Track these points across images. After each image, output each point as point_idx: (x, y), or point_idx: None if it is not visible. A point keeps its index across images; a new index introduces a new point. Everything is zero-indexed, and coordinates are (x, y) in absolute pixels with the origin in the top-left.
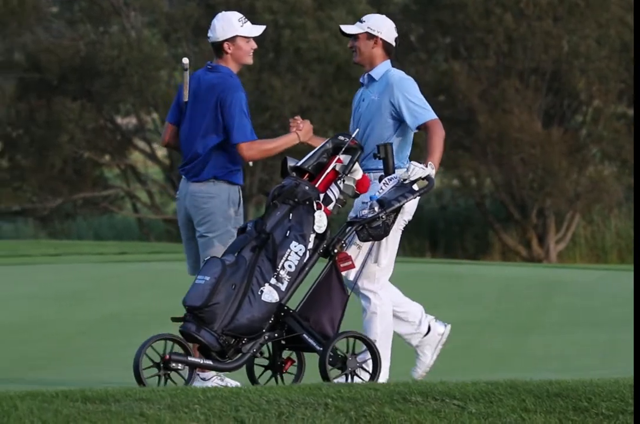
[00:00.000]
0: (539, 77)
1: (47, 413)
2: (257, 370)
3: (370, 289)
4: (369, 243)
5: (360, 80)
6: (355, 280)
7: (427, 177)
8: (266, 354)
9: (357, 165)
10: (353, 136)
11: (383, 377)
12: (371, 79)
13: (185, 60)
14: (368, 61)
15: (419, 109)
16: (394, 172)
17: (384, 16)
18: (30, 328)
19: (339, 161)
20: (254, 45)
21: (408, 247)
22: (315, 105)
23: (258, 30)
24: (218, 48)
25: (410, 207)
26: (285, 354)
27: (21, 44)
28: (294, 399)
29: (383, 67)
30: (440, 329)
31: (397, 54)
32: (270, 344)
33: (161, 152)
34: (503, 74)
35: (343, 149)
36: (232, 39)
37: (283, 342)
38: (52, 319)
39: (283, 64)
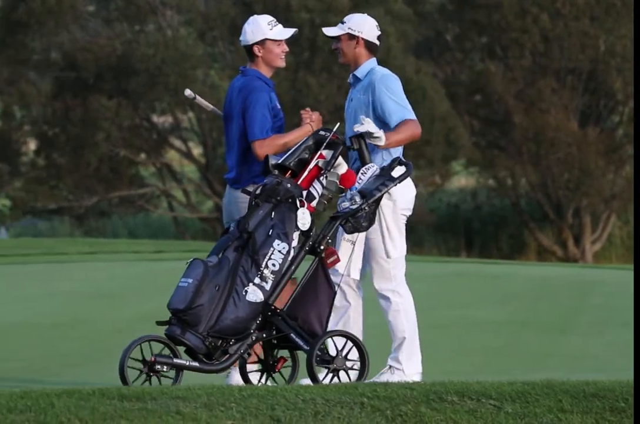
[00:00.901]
0: (575, 77)
1: (84, 410)
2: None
3: (388, 288)
4: (362, 237)
5: (348, 80)
6: (345, 273)
7: (404, 163)
8: (257, 359)
9: (340, 159)
10: (334, 130)
11: (416, 371)
12: (356, 79)
13: (187, 92)
14: (352, 61)
15: (398, 106)
16: (370, 163)
17: (364, 15)
18: (67, 325)
19: (321, 156)
20: (285, 48)
21: (444, 247)
22: None
23: (287, 33)
24: (249, 51)
25: (405, 201)
26: (280, 353)
27: (58, 42)
28: (330, 398)
29: (367, 66)
30: (419, 369)
31: (433, 53)
32: (261, 344)
33: (197, 151)
34: (539, 74)
35: (325, 144)
36: (261, 42)
37: (274, 341)
38: (88, 318)
39: (319, 63)
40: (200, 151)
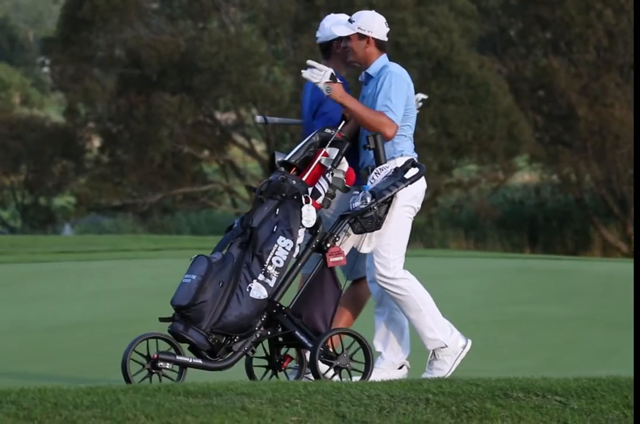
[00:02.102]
0: None
1: (149, 406)
2: (257, 370)
3: (388, 276)
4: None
5: (359, 78)
6: (349, 269)
7: (416, 164)
8: (264, 355)
9: (343, 157)
10: (339, 128)
11: (460, 344)
12: (368, 77)
13: (258, 119)
14: (363, 60)
15: (386, 102)
16: (385, 163)
17: (373, 13)
18: (131, 322)
19: (324, 154)
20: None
21: (507, 243)
22: None
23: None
24: (326, 48)
25: (411, 194)
26: (285, 351)
27: (122, 40)
28: (395, 394)
29: (379, 63)
30: (462, 343)
31: (497, 49)
32: (267, 341)
33: (260, 148)
34: (603, 69)
35: (330, 142)
36: (340, 39)
37: (280, 339)
38: (153, 314)
39: None
40: (263, 148)
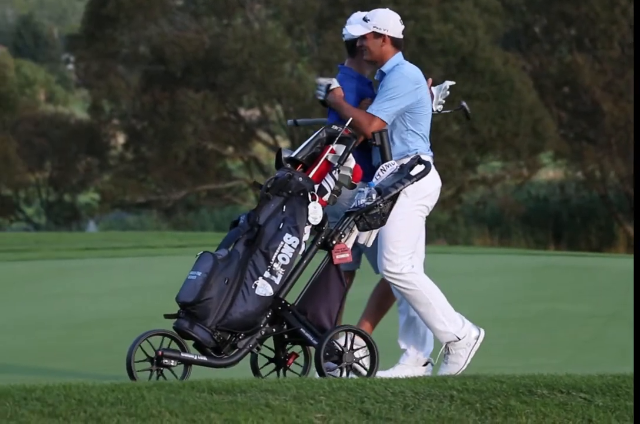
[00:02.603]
0: None
1: (174, 403)
2: (261, 363)
3: (395, 271)
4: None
5: (375, 77)
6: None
7: (422, 161)
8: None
9: (350, 154)
10: (346, 125)
11: (473, 335)
12: (382, 74)
13: (289, 123)
14: (379, 58)
15: (381, 101)
16: (390, 159)
17: (388, 11)
18: (155, 319)
19: (332, 151)
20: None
21: (532, 239)
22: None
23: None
24: (352, 46)
25: (423, 191)
26: (290, 348)
27: (146, 36)
28: (419, 391)
29: (394, 61)
30: (475, 333)
31: (521, 45)
32: (272, 338)
33: (284, 144)
34: (628, 65)
35: (337, 139)
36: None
37: (286, 336)
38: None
39: (406, 55)
40: (288, 144)
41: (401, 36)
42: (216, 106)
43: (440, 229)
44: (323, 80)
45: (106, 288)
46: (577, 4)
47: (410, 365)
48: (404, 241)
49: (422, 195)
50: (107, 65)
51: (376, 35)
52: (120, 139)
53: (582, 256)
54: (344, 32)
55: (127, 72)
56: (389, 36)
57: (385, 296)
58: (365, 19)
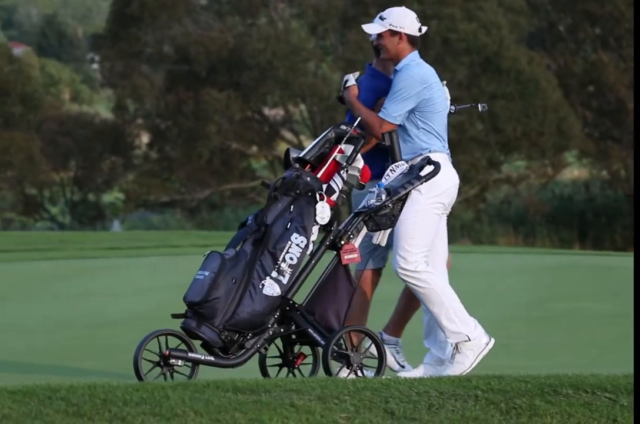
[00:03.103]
0: None
1: (198, 402)
2: (272, 368)
3: (409, 269)
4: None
5: (391, 76)
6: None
7: (432, 162)
8: (277, 353)
9: (358, 154)
10: (355, 125)
11: (483, 340)
12: (395, 72)
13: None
14: (395, 56)
15: (390, 103)
16: (400, 160)
17: (404, 9)
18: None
19: (340, 151)
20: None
21: (556, 238)
22: (463, 96)
23: (422, 29)
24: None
25: (440, 189)
26: (299, 349)
27: (170, 36)
28: (444, 391)
29: (406, 60)
30: (485, 339)
31: (546, 44)
32: (280, 339)
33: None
34: None
35: (345, 139)
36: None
37: (294, 337)
38: None
39: (431, 55)
40: None
41: (418, 34)
42: (240, 106)
43: (464, 228)
44: (345, 77)
45: (130, 288)
46: (601, 2)
47: (434, 365)
48: (418, 238)
49: (437, 192)
50: (132, 65)
51: (392, 33)
52: (145, 138)
53: (607, 256)
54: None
55: (151, 71)
56: (405, 34)
57: (414, 296)
58: (381, 17)
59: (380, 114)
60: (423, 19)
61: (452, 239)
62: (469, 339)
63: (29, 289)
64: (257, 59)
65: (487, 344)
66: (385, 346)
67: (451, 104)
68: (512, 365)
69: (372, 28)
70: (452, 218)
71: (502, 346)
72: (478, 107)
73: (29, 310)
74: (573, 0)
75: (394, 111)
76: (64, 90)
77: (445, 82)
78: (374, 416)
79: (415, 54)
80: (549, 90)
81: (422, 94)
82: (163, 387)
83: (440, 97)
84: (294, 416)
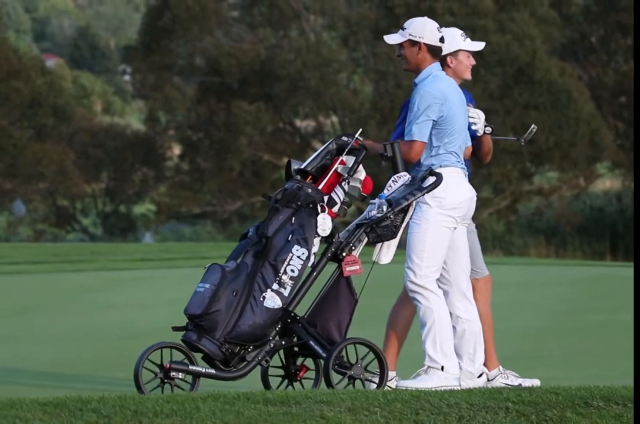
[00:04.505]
0: None
1: (228, 414)
2: (274, 380)
3: (418, 284)
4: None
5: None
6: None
7: (434, 173)
8: (279, 364)
9: (360, 166)
10: (356, 136)
11: (453, 374)
12: (415, 84)
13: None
14: (415, 67)
15: (410, 123)
16: (402, 171)
17: (425, 19)
18: None
19: (341, 162)
20: (473, 61)
21: (588, 250)
22: (495, 108)
23: (480, 45)
24: (440, 61)
25: (451, 203)
26: (301, 361)
27: (202, 48)
28: (474, 403)
29: (426, 73)
30: (454, 382)
31: (578, 55)
32: (282, 351)
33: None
34: None
35: (346, 150)
36: (455, 53)
37: (296, 349)
38: None
39: None
40: None
41: (439, 44)
42: (271, 117)
43: (495, 239)
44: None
45: (161, 299)
46: (633, 13)
47: (464, 379)
48: (428, 251)
49: (448, 207)
50: (163, 77)
51: (412, 43)
52: (176, 150)
53: None
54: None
55: (183, 83)
56: (424, 44)
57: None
58: (402, 28)
59: (406, 138)
60: None
61: (483, 250)
62: (441, 369)
63: (61, 300)
64: (287, 69)
65: (453, 384)
66: None
67: (487, 125)
68: (545, 376)
69: (392, 38)
70: (483, 230)
71: (534, 357)
72: (520, 141)
73: (60, 321)
74: (605, 12)
75: (415, 131)
76: (96, 102)
77: (470, 106)
78: None
79: (436, 66)
80: (581, 101)
81: (439, 110)
82: (193, 398)
83: (458, 113)
84: None
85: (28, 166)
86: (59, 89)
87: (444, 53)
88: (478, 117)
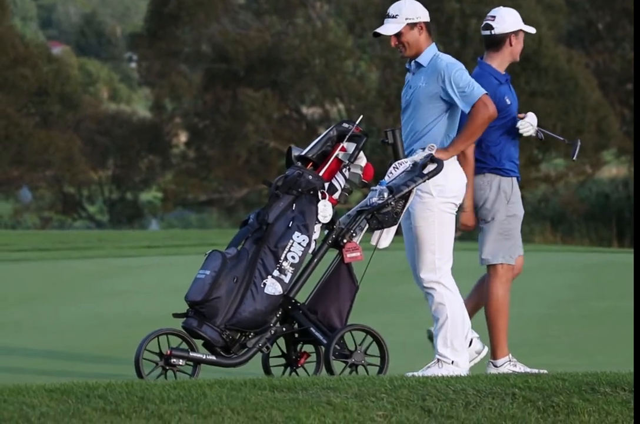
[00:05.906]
0: None
1: (235, 400)
2: (276, 369)
3: (432, 279)
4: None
5: (407, 66)
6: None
7: (435, 160)
8: (280, 352)
9: (360, 152)
10: (357, 122)
11: (464, 369)
12: (418, 66)
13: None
14: (416, 51)
15: (468, 91)
16: (403, 158)
17: (405, 0)
18: None
19: (342, 149)
20: (522, 44)
21: (595, 236)
22: None
23: (533, 29)
24: (500, 40)
25: (453, 190)
26: (302, 348)
27: (208, 35)
28: (481, 389)
29: (430, 53)
30: (479, 348)
31: (584, 43)
32: (283, 338)
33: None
34: None
35: (347, 137)
36: (517, 33)
37: (296, 335)
38: None
39: (469, 53)
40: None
41: (429, 19)
42: (277, 104)
43: None
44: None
45: (168, 286)
46: (633, 5)
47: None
48: (438, 243)
49: (450, 194)
50: (170, 64)
51: (411, 26)
52: (183, 137)
53: None
54: (497, 24)
55: (189, 70)
56: (423, 22)
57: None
58: (392, 16)
59: (473, 100)
60: (462, 17)
61: None
62: (451, 363)
63: (67, 287)
64: (293, 56)
65: (462, 373)
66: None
67: (538, 131)
68: (551, 363)
69: (390, 29)
70: None
71: (540, 344)
72: (574, 147)
73: (67, 309)
74: None
75: (476, 87)
76: (102, 89)
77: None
78: (410, 413)
79: (435, 46)
80: (587, 88)
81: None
82: (200, 385)
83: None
84: (330, 414)
85: (34, 153)
86: (66, 77)
87: (505, 31)
88: (531, 124)
